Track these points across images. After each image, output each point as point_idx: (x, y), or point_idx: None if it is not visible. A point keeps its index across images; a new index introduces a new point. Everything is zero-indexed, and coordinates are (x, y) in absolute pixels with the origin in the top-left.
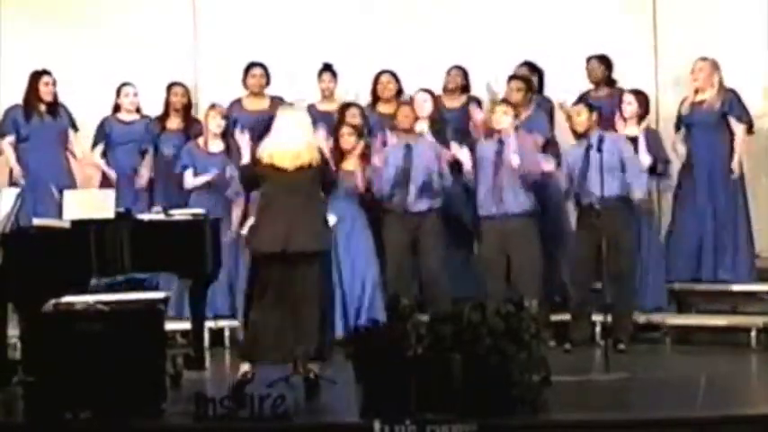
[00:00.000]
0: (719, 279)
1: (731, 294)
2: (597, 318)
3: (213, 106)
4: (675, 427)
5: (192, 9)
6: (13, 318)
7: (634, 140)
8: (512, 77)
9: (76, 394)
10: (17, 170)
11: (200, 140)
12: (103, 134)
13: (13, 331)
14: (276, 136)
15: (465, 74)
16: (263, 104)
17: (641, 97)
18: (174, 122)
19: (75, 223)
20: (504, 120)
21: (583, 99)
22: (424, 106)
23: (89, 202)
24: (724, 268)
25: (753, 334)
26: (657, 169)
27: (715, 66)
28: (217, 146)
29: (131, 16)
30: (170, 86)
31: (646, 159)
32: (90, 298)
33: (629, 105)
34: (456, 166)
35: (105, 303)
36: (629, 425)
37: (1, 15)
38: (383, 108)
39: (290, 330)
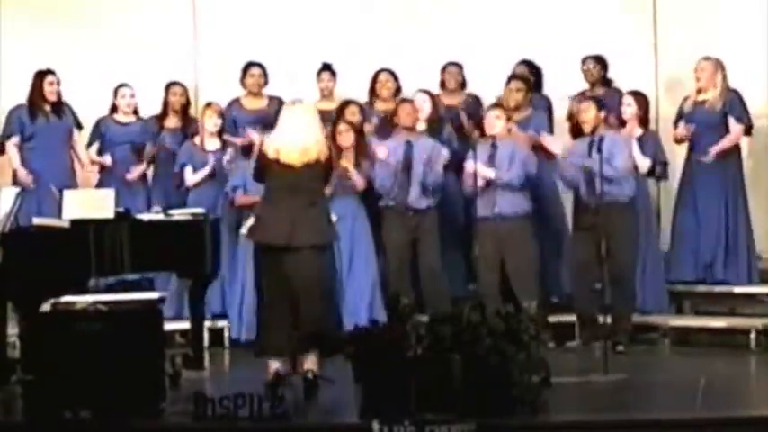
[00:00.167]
0: (720, 281)
1: (730, 296)
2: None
3: (209, 105)
4: (674, 429)
5: (192, 9)
6: (13, 317)
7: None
8: (511, 77)
9: (76, 394)
10: (22, 173)
11: (197, 139)
12: (98, 134)
13: (12, 330)
14: (283, 131)
15: (461, 70)
16: (262, 104)
17: (640, 98)
18: (173, 122)
19: (74, 223)
20: (497, 124)
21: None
22: (424, 107)
23: (89, 201)
24: (724, 270)
25: (752, 336)
26: (656, 172)
27: (718, 66)
28: (213, 144)
29: (131, 16)
30: (169, 86)
31: (643, 162)
32: (89, 298)
33: (629, 107)
34: (454, 167)
35: (104, 303)
36: (628, 425)
37: (1, 15)
38: (381, 106)
39: (296, 323)
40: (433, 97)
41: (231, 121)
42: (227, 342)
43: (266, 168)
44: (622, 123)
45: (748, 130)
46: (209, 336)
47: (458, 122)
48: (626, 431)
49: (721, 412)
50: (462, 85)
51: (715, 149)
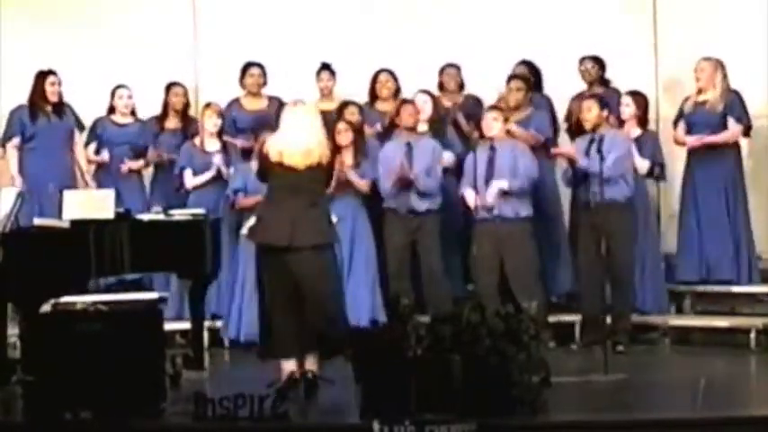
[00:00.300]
0: (720, 280)
1: (730, 296)
2: None
3: (209, 105)
4: (674, 428)
5: (192, 9)
6: (14, 317)
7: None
8: (511, 77)
9: (76, 394)
10: (18, 182)
11: (197, 140)
12: (95, 134)
13: (12, 330)
14: (286, 133)
15: (459, 71)
16: (261, 104)
17: (639, 98)
18: (173, 122)
19: (74, 223)
20: (494, 126)
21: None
22: (425, 108)
23: (89, 202)
24: (725, 270)
25: (752, 335)
26: (654, 173)
27: (718, 66)
28: (213, 145)
29: (131, 16)
30: (169, 86)
31: (642, 164)
32: (89, 298)
33: (627, 107)
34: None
35: (104, 303)
36: (628, 425)
37: (1, 15)
38: (381, 106)
39: (302, 324)
40: (433, 98)
41: (231, 122)
42: (226, 342)
43: (269, 170)
44: (621, 123)
45: (747, 131)
46: (210, 336)
47: (454, 123)
48: (626, 431)
49: (721, 412)
50: (461, 86)
51: (707, 139)
